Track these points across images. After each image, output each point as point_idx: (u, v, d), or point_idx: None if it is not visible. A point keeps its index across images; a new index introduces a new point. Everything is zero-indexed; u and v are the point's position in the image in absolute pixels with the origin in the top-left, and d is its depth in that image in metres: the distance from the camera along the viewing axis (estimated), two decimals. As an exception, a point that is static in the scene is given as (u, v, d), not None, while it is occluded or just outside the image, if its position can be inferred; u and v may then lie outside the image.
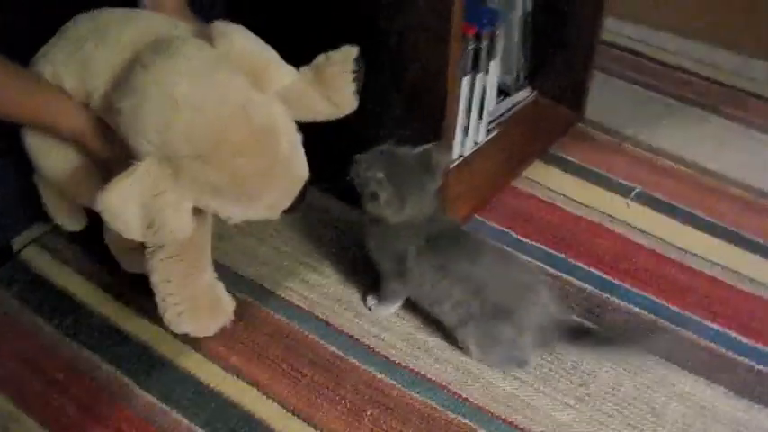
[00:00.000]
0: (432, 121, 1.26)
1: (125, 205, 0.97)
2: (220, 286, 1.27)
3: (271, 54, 1.04)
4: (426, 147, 1.20)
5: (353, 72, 1.12)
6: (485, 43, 1.42)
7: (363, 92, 1.19)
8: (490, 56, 1.45)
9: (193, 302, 1.20)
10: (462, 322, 1.22)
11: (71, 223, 1.35)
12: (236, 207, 1.05)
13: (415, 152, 1.19)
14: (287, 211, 1.10)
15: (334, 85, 1.12)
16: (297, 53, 1.37)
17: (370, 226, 1.24)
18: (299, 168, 1.09)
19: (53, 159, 1.15)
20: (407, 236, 1.20)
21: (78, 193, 1.20)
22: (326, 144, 1.17)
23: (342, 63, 1.11)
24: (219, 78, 0.99)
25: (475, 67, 1.44)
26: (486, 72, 1.47)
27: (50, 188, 1.27)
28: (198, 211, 1.04)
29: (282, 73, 1.04)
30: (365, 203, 1.19)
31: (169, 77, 0.96)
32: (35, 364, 1.26)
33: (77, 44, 1.07)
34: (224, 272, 1.38)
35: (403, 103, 1.27)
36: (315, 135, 1.10)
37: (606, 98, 1.80)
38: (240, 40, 1.02)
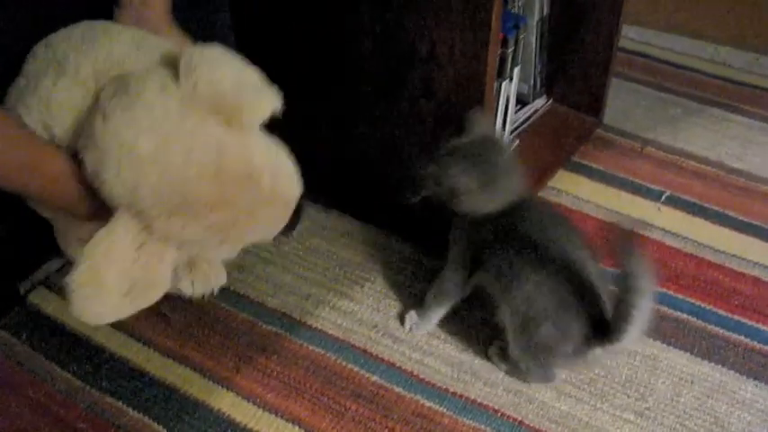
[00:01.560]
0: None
1: (107, 265, 0.86)
2: None
3: (247, 82, 0.91)
4: (481, 131, 1.14)
5: None
6: (511, 49, 1.38)
7: (393, 102, 1.12)
8: (514, 62, 1.40)
9: None
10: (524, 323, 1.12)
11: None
12: (222, 249, 0.97)
13: (477, 139, 1.13)
14: (284, 232, 1.01)
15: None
16: (317, 59, 1.32)
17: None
18: (286, 194, 0.98)
19: None
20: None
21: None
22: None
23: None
24: (185, 130, 0.86)
25: (501, 74, 1.38)
26: (510, 79, 1.42)
27: None
28: None
29: (261, 105, 0.90)
30: (454, 206, 1.13)
31: (129, 132, 0.84)
32: (53, 414, 1.18)
33: (36, 80, 0.92)
34: (248, 304, 1.32)
35: (433, 112, 1.21)
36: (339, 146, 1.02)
37: (621, 103, 1.76)
38: (207, 75, 0.87)
